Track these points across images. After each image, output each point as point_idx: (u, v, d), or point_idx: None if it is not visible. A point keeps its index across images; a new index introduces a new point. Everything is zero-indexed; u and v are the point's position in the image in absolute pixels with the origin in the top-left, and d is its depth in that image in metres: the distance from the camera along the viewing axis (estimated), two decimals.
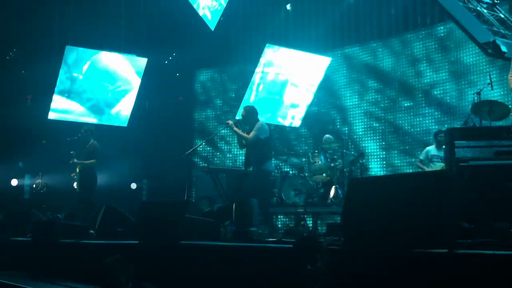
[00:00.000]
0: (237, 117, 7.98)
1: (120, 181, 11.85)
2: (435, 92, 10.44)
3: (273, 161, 8.09)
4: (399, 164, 10.74)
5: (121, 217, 6.94)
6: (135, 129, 12.09)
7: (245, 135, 7.52)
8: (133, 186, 12.67)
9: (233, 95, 12.89)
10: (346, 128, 11.42)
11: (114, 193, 10.72)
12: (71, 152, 9.19)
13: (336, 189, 8.82)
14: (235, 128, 7.63)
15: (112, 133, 11.53)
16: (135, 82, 11.90)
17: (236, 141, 10.00)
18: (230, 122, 7.71)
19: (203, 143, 10.44)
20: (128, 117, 12.07)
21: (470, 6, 7.29)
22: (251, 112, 7.74)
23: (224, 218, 6.94)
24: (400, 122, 10.85)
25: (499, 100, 7.27)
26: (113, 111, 12.04)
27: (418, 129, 10.57)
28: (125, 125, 12.09)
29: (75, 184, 9.36)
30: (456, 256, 3.05)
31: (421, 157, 8.81)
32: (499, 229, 3.80)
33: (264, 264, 4.44)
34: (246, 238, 5.68)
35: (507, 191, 5.29)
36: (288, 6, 12.50)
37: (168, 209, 5.95)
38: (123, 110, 12.03)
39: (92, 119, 11.69)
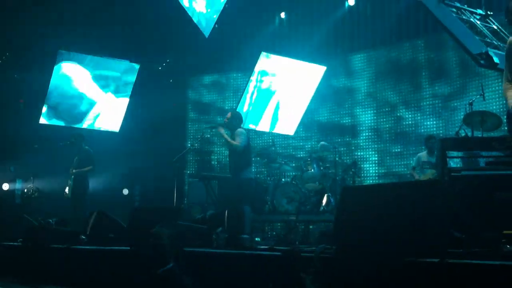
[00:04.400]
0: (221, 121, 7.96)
1: (112, 186, 11.81)
2: (431, 100, 10.53)
3: (252, 169, 8.08)
4: (395, 173, 10.80)
5: (112, 223, 6.91)
6: (127, 135, 12.08)
7: (233, 142, 7.49)
8: (125, 192, 12.63)
9: (227, 103, 12.91)
10: (340, 136, 11.46)
11: (106, 199, 10.67)
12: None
13: (328, 197, 8.84)
14: (224, 135, 7.60)
15: (104, 139, 11.51)
16: (128, 88, 11.90)
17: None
18: (221, 129, 7.67)
19: (192, 148, 10.43)
20: (121, 122, 12.06)
21: (463, 17, 7.34)
22: (236, 118, 7.73)
23: (216, 225, 6.93)
24: (397, 129, 10.93)
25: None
26: (106, 116, 12.02)
27: (414, 136, 10.64)
28: (117, 130, 12.07)
29: (66, 189, 9.34)
30: (447, 265, 3.07)
31: (413, 164, 8.88)
32: (490, 239, 3.81)
33: (256, 271, 4.43)
34: (238, 245, 5.67)
35: (498, 201, 5.32)
36: (283, 15, 12.54)
37: (159, 215, 5.93)
38: (116, 115, 12.02)
39: (84, 125, 11.67)
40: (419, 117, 10.63)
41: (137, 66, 11.97)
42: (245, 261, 4.69)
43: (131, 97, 12.14)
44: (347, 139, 11.46)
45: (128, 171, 12.22)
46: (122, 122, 12.17)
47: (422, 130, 10.41)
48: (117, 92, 12.10)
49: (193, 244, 5.52)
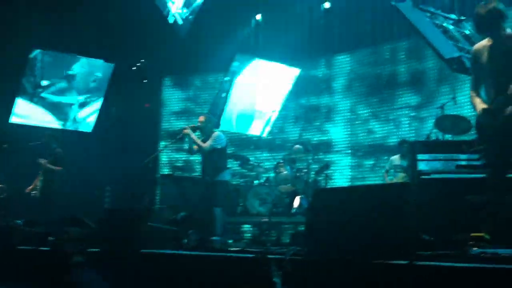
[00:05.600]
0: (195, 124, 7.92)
1: (83, 187, 11.64)
2: (405, 102, 10.62)
3: (229, 171, 8.07)
4: (368, 175, 10.87)
5: (82, 224, 6.81)
6: (100, 135, 11.93)
7: (200, 143, 7.45)
8: (96, 193, 12.46)
9: (201, 104, 12.84)
10: (313, 134, 11.50)
11: (76, 200, 10.51)
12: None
13: (301, 199, 8.85)
14: (192, 135, 7.55)
15: (76, 139, 11.35)
16: (102, 88, 11.76)
17: None
18: (187, 130, 7.61)
19: (164, 149, 10.34)
20: (93, 122, 11.92)
21: (437, 22, 7.43)
22: (208, 121, 7.70)
23: (188, 227, 6.89)
24: (370, 132, 10.99)
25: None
26: (78, 116, 11.88)
27: (388, 139, 10.71)
28: (90, 130, 11.93)
29: (31, 188, 9.21)
30: (416, 267, 3.08)
31: (386, 167, 8.96)
32: (458, 241, 3.85)
33: (227, 273, 4.41)
34: (210, 247, 5.64)
35: (467, 204, 5.39)
36: (259, 16, 12.54)
37: (130, 217, 5.87)
38: (88, 115, 11.87)
39: (56, 124, 11.50)
40: (392, 127, 10.71)
41: (111, 65, 11.83)
42: (216, 263, 4.66)
43: (105, 96, 12.00)
44: (320, 142, 11.51)
45: (99, 172, 12.06)
46: (95, 122, 12.02)
47: (401, 134, 10.45)
48: (90, 91, 11.96)
49: (164, 246, 5.48)
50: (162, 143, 12.52)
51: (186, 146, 8.03)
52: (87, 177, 11.63)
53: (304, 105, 11.85)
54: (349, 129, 11.27)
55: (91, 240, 6.27)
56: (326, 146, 11.32)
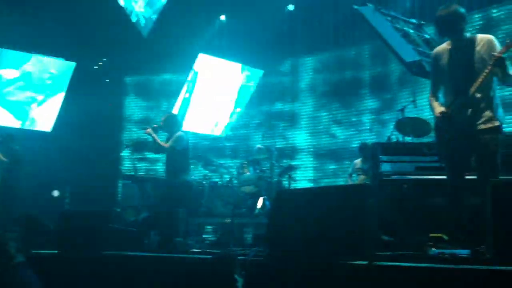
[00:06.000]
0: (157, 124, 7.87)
1: (42, 188, 11.42)
2: (367, 106, 10.75)
3: (191, 172, 8.05)
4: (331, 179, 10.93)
5: (40, 225, 6.68)
6: (60, 135, 11.72)
7: (161, 143, 7.40)
8: (55, 193, 12.23)
9: (164, 104, 12.74)
10: (276, 140, 11.54)
11: (35, 201, 10.31)
12: None
13: (264, 200, 8.86)
14: (153, 135, 7.49)
15: (35, 138, 11.12)
16: (62, 87, 11.56)
17: None
18: (149, 130, 7.55)
19: (126, 149, 10.23)
20: (53, 122, 11.70)
21: (398, 26, 7.53)
22: (171, 121, 7.64)
23: (149, 228, 6.83)
24: (333, 134, 11.09)
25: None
26: (37, 115, 11.64)
27: (350, 144, 10.79)
28: (50, 130, 11.71)
29: None
30: (376, 267, 3.12)
31: (349, 170, 9.06)
32: (417, 242, 3.92)
33: (188, 275, 4.39)
34: (171, 248, 5.61)
35: (425, 205, 5.49)
36: (223, 17, 12.52)
37: (90, 219, 5.78)
38: (48, 114, 11.65)
39: (14, 123, 11.25)
40: (353, 131, 10.82)
41: (72, 64, 11.64)
42: (178, 264, 4.64)
43: (65, 96, 11.79)
44: (283, 143, 11.56)
45: (59, 172, 11.84)
46: (55, 122, 11.80)
47: (363, 137, 10.54)
48: (50, 90, 11.74)
49: (125, 247, 5.42)
50: (126, 144, 12.38)
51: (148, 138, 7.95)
52: (47, 178, 11.42)
53: (267, 112, 11.87)
54: (311, 134, 11.34)
55: (49, 241, 6.17)
56: (290, 152, 11.36)
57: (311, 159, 11.26)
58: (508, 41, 4.23)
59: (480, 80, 4.27)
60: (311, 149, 11.30)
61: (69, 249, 5.55)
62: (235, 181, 9.60)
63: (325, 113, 11.24)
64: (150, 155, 11.90)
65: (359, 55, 11.07)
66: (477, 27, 9.20)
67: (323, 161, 11.12)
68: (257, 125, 11.93)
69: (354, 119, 10.86)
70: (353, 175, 8.92)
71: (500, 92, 4.60)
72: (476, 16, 9.32)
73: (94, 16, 11.65)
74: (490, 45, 4.36)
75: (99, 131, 12.20)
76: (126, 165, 12.50)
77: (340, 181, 10.56)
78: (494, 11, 9.23)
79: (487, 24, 9.22)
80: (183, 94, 10.96)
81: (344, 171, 10.42)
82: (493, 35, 4.60)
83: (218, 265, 4.03)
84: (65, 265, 5.34)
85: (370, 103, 10.73)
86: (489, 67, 4.23)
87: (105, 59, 12.88)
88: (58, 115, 11.68)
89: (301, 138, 11.47)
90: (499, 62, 4.18)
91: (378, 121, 10.49)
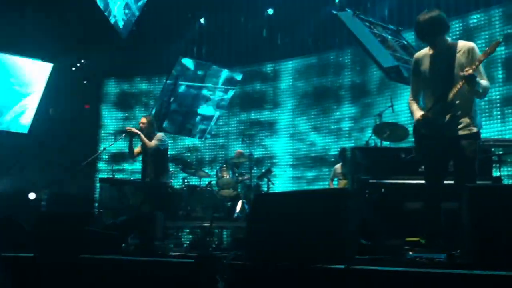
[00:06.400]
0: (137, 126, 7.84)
1: (19, 190, 11.26)
2: (345, 112, 10.81)
3: (170, 175, 8.04)
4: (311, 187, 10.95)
5: (17, 228, 6.57)
6: (37, 136, 11.58)
7: (146, 141, 7.37)
8: (32, 196, 12.07)
9: (143, 106, 12.68)
10: (255, 149, 11.54)
11: (11, 203, 10.17)
12: None
13: (243, 203, 8.87)
14: (138, 132, 7.45)
15: (12, 140, 10.98)
16: (39, 88, 11.43)
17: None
18: (132, 128, 7.51)
19: (104, 152, 10.15)
20: (30, 123, 11.56)
21: (376, 31, 7.60)
22: (152, 124, 7.63)
23: (127, 232, 6.77)
24: (312, 141, 11.12)
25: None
26: (14, 116, 11.49)
27: (329, 151, 10.84)
28: (26, 131, 11.57)
29: None
30: (353, 271, 3.14)
31: (331, 175, 9.15)
32: (394, 246, 3.95)
33: (167, 278, 4.35)
34: (150, 252, 5.56)
35: (402, 209, 5.55)
36: (202, 20, 12.51)
37: (67, 221, 5.71)
38: (25, 116, 11.51)
39: None
40: (333, 138, 10.86)
41: (50, 65, 11.52)
42: (155, 268, 4.60)
43: (42, 97, 11.66)
44: (262, 147, 11.56)
45: (36, 174, 11.70)
46: (32, 123, 11.66)
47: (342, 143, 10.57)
48: (27, 92, 11.60)
49: (102, 251, 5.36)
50: (102, 145, 12.27)
51: (126, 150, 7.92)
52: (23, 179, 11.28)
53: (246, 120, 11.85)
54: (290, 142, 11.35)
55: (25, 244, 6.08)
56: (269, 160, 11.37)
57: (291, 168, 11.26)
58: (487, 49, 4.29)
59: (456, 88, 4.33)
60: (290, 157, 11.29)
61: (45, 252, 5.47)
62: (214, 185, 9.59)
63: (304, 121, 11.26)
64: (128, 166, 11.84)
65: (338, 60, 11.11)
66: (457, 33, 9.33)
67: (302, 169, 11.11)
68: (236, 134, 11.88)
69: (333, 127, 10.89)
70: (334, 180, 8.98)
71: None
72: (456, 23, 9.44)
73: (72, 17, 11.55)
74: (470, 53, 4.41)
75: (76, 132, 12.09)
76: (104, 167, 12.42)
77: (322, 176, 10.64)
78: (474, 17, 9.35)
79: (466, 30, 9.34)
80: (164, 96, 10.89)
81: (323, 178, 10.47)
82: (473, 41, 4.66)
83: (200, 268, 4.02)
84: (41, 268, 5.27)
85: (349, 109, 10.77)
86: (461, 83, 4.28)
87: (83, 61, 12.78)
88: (34, 117, 11.53)
89: (279, 146, 11.47)
90: (468, 80, 4.22)
91: (357, 128, 10.54)
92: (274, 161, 11.25)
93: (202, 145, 12.09)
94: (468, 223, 3.20)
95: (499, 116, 8.76)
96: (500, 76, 8.83)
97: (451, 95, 4.35)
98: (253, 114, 11.85)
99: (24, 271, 5.31)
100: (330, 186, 9.04)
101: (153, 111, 10.81)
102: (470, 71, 4.19)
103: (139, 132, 7.39)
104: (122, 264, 4.92)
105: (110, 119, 12.93)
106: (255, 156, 10.27)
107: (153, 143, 7.35)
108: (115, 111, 12.96)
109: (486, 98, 7.02)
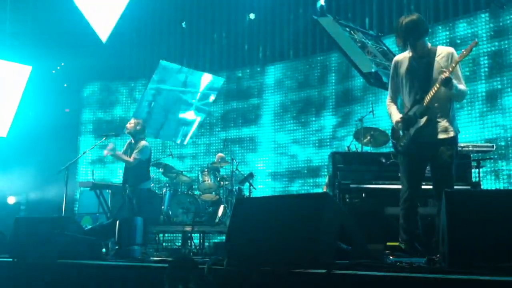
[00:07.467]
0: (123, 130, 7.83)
1: None
2: (328, 122, 10.85)
3: (151, 180, 8.04)
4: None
5: None
6: (16, 140, 11.45)
7: (127, 159, 7.42)
8: (11, 200, 11.93)
9: (123, 110, 12.60)
10: (237, 148, 11.54)
11: None
12: None
13: (224, 208, 8.86)
14: (116, 153, 7.48)
15: None
16: (18, 91, 11.30)
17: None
18: (109, 153, 7.49)
19: (84, 156, 10.06)
20: (9, 127, 11.43)
21: (356, 37, 7.66)
22: (141, 127, 7.62)
23: (107, 236, 6.71)
24: (293, 143, 11.14)
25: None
26: None
27: (310, 162, 10.85)
28: (5, 136, 11.44)
29: None
30: (333, 276, 3.14)
31: (325, 181, 9.14)
32: (374, 250, 3.97)
33: (146, 284, 4.33)
34: (129, 257, 5.53)
35: (383, 214, 5.58)
36: (184, 24, 12.49)
37: (46, 226, 5.66)
38: (3, 119, 11.37)
39: None
40: (313, 149, 10.87)
41: (28, 68, 11.40)
42: (135, 273, 4.57)
43: (21, 101, 11.53)
44: (243, 151, 11.56)
45: (15, 178, 11.55)
46: (11, 127, 11.52)
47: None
48: (5, 95, 11.46)
49: (81, 255, 5.32)
50: (82, 149, 12.17)
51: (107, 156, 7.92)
52: (2, 184, 11.14)
53: (226, 137, 11.65)
54: (272, 157, 11.31)
55: (3, 248, 6.01)
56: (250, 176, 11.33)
57: (273, 182, 11.23)
58: (463, 50, 4.33)
59: (432, 92, 4.36)
60: (272, 172, 11.26)
61: (23, 256, 5.41)
62: (196, 189, 9.56)
63: (284, 134, 11.25)
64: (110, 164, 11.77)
65: (319, 66, 11.15)
66: (441, 39, 9.44)
67: (286, 183, 11.08)
68: (216, 150, 11.69)
69: (313, 137, 10.89)
70: (329, 186, 8.93)
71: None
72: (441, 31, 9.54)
73: (52, 20, 11.46)
74: (450, 57, 4.45)
75: (56, 136, 11.97)
76: (83, 171, 12.32)
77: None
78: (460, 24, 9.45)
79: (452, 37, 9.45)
80: (145, 101, 10.84)
81: (307, 190, 10.46)
82: (456, 48, 4.72)
83: (178, 273, 3.99)
84: (19, 272, 5.20)
85: (329, 118, 10.78)
86: (437, 85, 4.32)
87: (63, 64, 12.66)
88: (13, 120, 11.41)
89: (261, 161, 11.42)
90: (444, 82, 4.26)
91: (338, 137, 10.55)
92: (256, 177, 11.14)
93: (184, 149, 12.04)
94: (446, 227, 3.23)
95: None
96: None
97: (428, 98, 4.39)
98: (232, 131, 11.79)
99: (2, 276, 5.25)
100: (324, 191, 9.00)
101: (135, 116, 10.75)
102: (447, 74, 4.23)
103: (116, 153, 7.42)
104: (101, 269, 4.88)
105: (91, 122, 12.81)
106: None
107: (133, 158, 7.36)
108: (96, 115, 12.85)
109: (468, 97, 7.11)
